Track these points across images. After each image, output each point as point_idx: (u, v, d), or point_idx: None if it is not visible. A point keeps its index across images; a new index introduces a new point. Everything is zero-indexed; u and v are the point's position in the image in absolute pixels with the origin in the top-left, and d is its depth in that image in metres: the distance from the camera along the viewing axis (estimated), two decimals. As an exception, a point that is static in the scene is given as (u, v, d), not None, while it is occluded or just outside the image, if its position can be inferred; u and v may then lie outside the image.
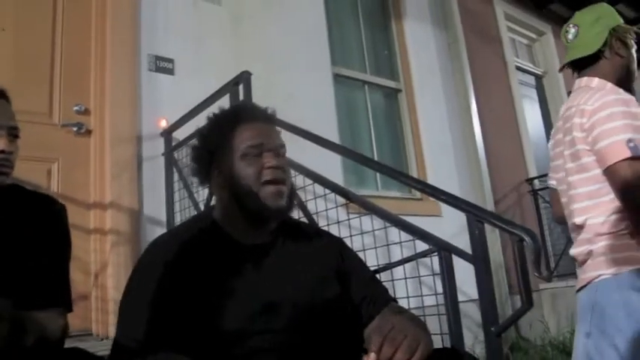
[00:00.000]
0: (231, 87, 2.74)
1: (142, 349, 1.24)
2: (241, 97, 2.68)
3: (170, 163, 3.27)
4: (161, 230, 3.22)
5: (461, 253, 1.88)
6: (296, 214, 2.09)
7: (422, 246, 2.06)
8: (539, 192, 6.01)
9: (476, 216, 1.82)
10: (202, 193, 3.06)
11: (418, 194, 4.97)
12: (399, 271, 2.12)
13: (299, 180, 2.30)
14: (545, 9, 7.26)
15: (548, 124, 7.10)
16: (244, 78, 2.67)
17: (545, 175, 6.21)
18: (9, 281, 1.24)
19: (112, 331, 2.91)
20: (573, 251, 1.65)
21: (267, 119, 1.46)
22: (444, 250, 1.85)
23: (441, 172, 4.97)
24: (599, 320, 1.51)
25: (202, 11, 3.78)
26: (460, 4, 5.86)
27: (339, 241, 1.60)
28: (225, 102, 2.76)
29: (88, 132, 3.25)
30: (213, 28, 3.82)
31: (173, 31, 3.62)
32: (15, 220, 1.31)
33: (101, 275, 3.06)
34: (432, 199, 4.83)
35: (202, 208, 2.97)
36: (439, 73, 5.51)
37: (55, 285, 1.33)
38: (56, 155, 3.12)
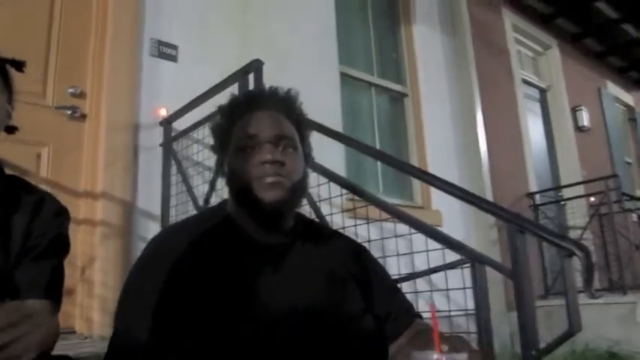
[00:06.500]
0: (240, 76, 2.56)
1: (144, 352, 1.08)
2: (251, 87, 2.50)
3: (168, 154, 3.09)
4: (154, 225, 3.03)
5: (498, 267, 1.72)
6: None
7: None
8: (540, 207, 5.92)
9: (518, 225, 1.66)
10: (202, 188, 2.89)
11: (420, 202, 4.84)
12: (420, 283, 1.96)
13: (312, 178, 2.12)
14: (551, 23, 7.19)
15: (550, 139, 7.00)
16: (255, 67, 2.50)
17: (547, 190, 6.17)
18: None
19: (96, 330, 2.72)
20: None
21: (272, 106, 1.28)
22: (478, 261, 1.68)
23: (444, 181, 4.83)
24: None
25: (209, -3, 3.62)
26: (469, 12, 5.77)
27: (359, 247, 1.43)
28: (233, 91, 2.59)
29: (83, 116, 3.06)
30: (219, 16, 3.65)
31: (178, 16, 3.44)
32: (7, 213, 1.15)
33: (88, 269, 2.86)
34: (433, 208, 4.74)
35: (201, 204, 2.79)
36: (446, 81, 5.39)
37: (45, 272, 1.15)
38: (47, 139, 2.93)
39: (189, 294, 1.10)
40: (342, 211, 2.29)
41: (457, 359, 0.86)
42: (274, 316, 1.12)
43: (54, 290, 1.17)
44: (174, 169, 3.07)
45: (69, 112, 3.00)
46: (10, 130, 1.30)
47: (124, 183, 2.99)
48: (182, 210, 3.00)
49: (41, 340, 0.90)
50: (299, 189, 1.25)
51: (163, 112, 3.19)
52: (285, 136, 1.23)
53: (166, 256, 1.17)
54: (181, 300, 1.10)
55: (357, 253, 1.38)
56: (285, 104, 1.30)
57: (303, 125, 1.32)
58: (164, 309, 1.10)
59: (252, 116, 1.25)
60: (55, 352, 2.40)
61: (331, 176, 2.24)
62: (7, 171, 1.27)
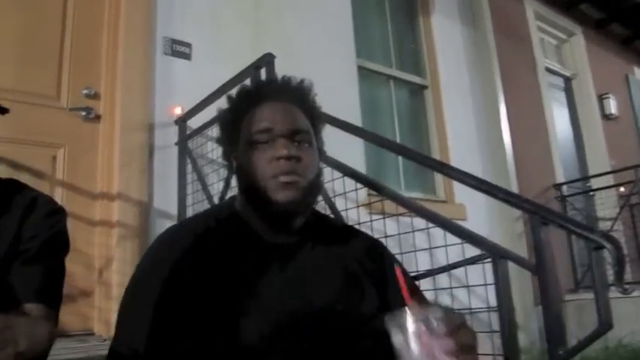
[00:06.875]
0: (252, 71, 2.51)
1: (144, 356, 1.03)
2: (263, 82, 2.44)
3: (183, 152, 3.05)
4: (171, 224, 2.99)
5: (521, 261, 1.62)
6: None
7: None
8: (568, 198, 5.77)
9: (541, 217, 1.57)
10: (217, 186, 2.85)
11: (443, 196, 4.74)
12: (442, 279, 1.88)
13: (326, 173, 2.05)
14: (575, 9, 7.00)
15: (576, 129, 6.82)
16: (266, 61, 2.44)
17: (575, 181, 6.01)
18: None
19: (114, 332, 2.69)
20: None
21: (284, 98, 1.20)
22: (500, 256, 1.59)
23: (467, 174, 4.73)
24: None
25: (222, -6, 3.57)
26: (490, 1, 5.63)
27: (376, 243, 1.35)
28: (245, 86, 2.54)
29: (97, 117, 3.04)
30: (232, 13, 3.60)
31: (191, 13, 3.41)
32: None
33: (105, 271, 2.85)
34: (457, 201, 4.64)
35: (216, 201, 2.75)
36: (467, 72, 5.28)
37: (38, 275, 1.11)
38: (62, 141, 2.92)
39: (191, 293, 1.05)
40: (358, 206, 2.21)
41: (430, 316, 0.81)
42: (279, 317, 1.06)
43: (48, 293, 1.13)
44: (189, 167, 3.03)
45: (83, 114, 2.98)
46: (1, 110, 1.26)
47: (140, 183, 2.97)
48: (199, 209, 2.96)
49: (22, 350, 0.86)
50: (314, 187, 1.17)
51: (178, 111, 3.16)
52: (300, 130, 1.15)
53: (169, 255, 1.12)
54: (183, 299, 1.05)
55: (373, 249, 1.29)
56: (299, 95, 1.22)
57: (317, 118, 1.24)
58: (166, 308, 1.05)
59: (264, 108, 1.17)
60: (74, 354, 2.37)
61: (345, 170, 2.17)
62: (19, 175, 1.25)
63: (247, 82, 2.49)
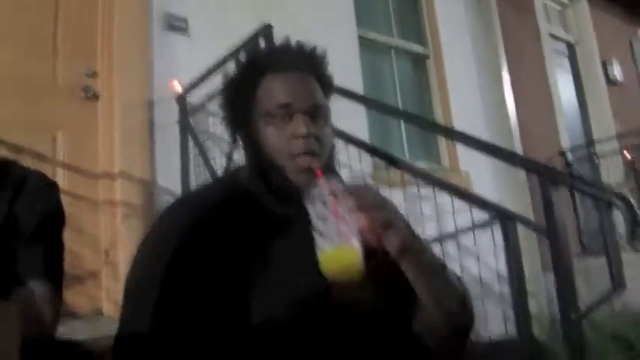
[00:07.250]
0: (251, 42, 2.46)
1: (147, 340, 1.00)
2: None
3: (185, 129, 3.02)
4: (175, 202, 2.98)
5: (529, 223, 1.59)
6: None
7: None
8: (573, 166, 5.72)
9: (550, 178, 1.52)
10: (220, 161, 2.82)
11: (447, 165, 4.70)
12: (452, 249, 1.85)
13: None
14: (578, -28, 6.87)
15: (581, 95, 6.74)
16: (265, 32, 2.39)
17: (580, 148, 5.94)
18: None
19: (123, 312, 2.69)
20: None
21: (300, 67, 1.11)
22: (507, 218, 1.55)
23: (472, 144, 4.69)
24: None
25: (219, -34, 3.49)
26: (491, -34, 5.52)
27: None
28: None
29: (96, 97, 3.00)
30: (230, -15, 3.53)
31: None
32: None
33: (112, 251, 2.83)
34: (462, 169, 4.60)
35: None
36: (469, 40, 5.20)
37: (39, 254, 1.10)
38: (61, 122, 2.88)
39: (195, 269, 1.02)
40: (363, 176, 2.18)
41: (336, 184, 0.91)
42: (292, 290, 1.04)
43: (51, 270, 1.12)
44: (192, 144, 3.00)
45: (82, 94, 2.94)
46: None
47: (142, 161, 2.94)
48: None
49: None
50: (330, 166, 1.11)
51: (177, 87, 3.10)
52: (319, 106, 1.09)
53: (171, 231, 1.08)
54: (188, 275, 1.02)
55: None
56: (315, 64, 1.14)
57: (329, 88, 1.17)
58: (170, 285, 1.02)
59: (280, 78, 1.09)
60: (85, 335, 2.37)
61: (349, 139, 2.13)
62: (20, 158, 1.23)
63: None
